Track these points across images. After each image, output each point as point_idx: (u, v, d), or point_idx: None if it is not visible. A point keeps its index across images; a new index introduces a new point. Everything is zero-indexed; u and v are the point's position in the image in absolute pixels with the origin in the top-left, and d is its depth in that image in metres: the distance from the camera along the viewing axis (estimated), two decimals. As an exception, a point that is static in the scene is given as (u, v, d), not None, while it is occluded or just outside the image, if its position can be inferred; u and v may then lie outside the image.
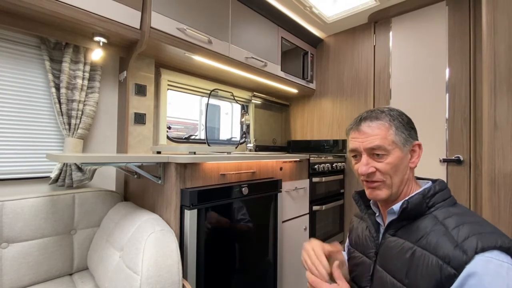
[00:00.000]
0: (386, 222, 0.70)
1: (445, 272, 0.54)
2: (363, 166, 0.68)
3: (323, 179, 1.82)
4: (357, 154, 0.71)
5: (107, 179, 1.47)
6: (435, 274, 0.55)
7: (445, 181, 1.69)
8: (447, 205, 0.63)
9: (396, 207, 0.66)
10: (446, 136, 1.72)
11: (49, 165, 1.28)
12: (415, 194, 0.65)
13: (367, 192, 0.71)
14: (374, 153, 0.67)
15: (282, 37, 2.05)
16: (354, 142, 0.71)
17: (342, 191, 2.13)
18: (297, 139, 2.60)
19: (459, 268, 0.52)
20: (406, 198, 0.65)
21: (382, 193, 0.68)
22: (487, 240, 0.53)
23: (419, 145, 0.69)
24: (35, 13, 1.02)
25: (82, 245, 1.22)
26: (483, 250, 0.52)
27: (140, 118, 1.48)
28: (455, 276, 0.52)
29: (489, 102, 1.06)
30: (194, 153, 1.14)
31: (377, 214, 0.75)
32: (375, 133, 0.67)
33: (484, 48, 1.08)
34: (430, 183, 0.69)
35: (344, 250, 0.90)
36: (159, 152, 1.37)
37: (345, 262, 0.82)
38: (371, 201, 0.78)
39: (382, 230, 0.73)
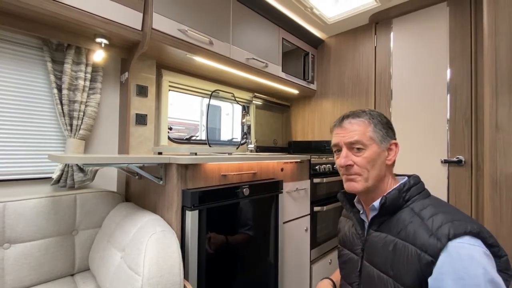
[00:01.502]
0: (369, 219, 0.75)
1: (423, 260, 0.58)
2: (342, 158, 0.74)
3: (324, 180, 1.81)
4: (338, 149, 0.77)
5: (109, 180, 1.47)
6: (415, 263, 0.59)
7: (447, 182, 1.70)
8: (421, 198, 0.69)
9: (377, 203, 0.71)
10: (448, 137, 1.71)
11: (50, 166, 1.28)
12: (392, 190, 0.70)
13: (345, 185, 0.76)
14: (353, 147, 0.73)
15: (283, 38, 2.05)
16: (336, 137, 0.77)
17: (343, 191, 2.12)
18: (298, 140, 2.60)
19: (435, 255, 0.56)
20: (384, 194, 0.70)
21: (358, 185, 0.73)
22: (458, 227, 0.57)
23: (396, 144, 0.74)
24: (37, 14, 1.03)
25: (84, 245, 1.22)
26: (455, 236, 0.56)
27: (141, 119, 1.49)
28: (433, 263, 0.56)
29: (491, 103, 1.05)
30: (195, 154, 1.14)
31: (361, 212, 0.80)
32: (355, 128, 0.74)
33: (485, 48, 1.08)
34: (405, 178, 0.74)
35: None
36: (160, 153, 1.38)
37: None
38: (355, 199, 0.83)
39: (367, 226, 0.77)
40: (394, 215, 0.69)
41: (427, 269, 0.57)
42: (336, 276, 0.96)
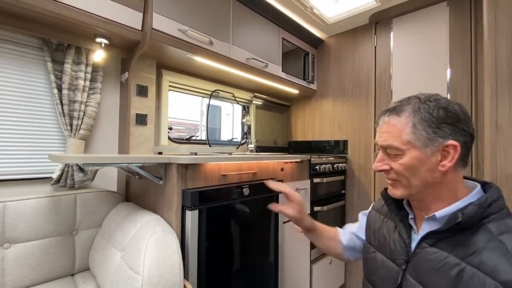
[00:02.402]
0: (424, 229, 0.62)
1: None
2: (377, 162, 0.64)
3: (324, 179, 1.81)
4: (379, 148, 0.66)
5: (109, 179, 1.47)
6: None
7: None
8: (503, 217, 0.53)
9: (440, 214, 0.57)
10: (448, 136, 1.71)
11: (51, 165, 1.28)
12: (469, 205, 0.55)
13: (388, 189, 0.66)
14: (387, 151, 0.62)
15: (283, 38, 2.05)
16: (377, 135, 0.65)
17: (343, 192, 2.13)
18: (298, 140, 2.60)
19: None
20: (459, 208, 0.56)
21: (398, 192, 0.63)
22: None
23: (454, 146, 0.56)
24: (37, 14, 1.03)
25: (84, 245, 1.22)
26: None
27: (141, 119, 1.49)
28: None
29: (491, 103, 1.05)
30: (195, 153, 1.14)
31: (410, 216, 0.67)
32: (389, 129, 0.61)
33: (485, 48, 1.08)
34: (478, 187, 0.59)
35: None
36: (160, 153, 1.38)
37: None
38: (404, 202, 0.70)
39: (414, 235, 0.65)
40: (462, 232, 0.54)
41: None
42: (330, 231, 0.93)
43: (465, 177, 0.64)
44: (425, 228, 0.61)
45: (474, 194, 0.58)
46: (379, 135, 0.63)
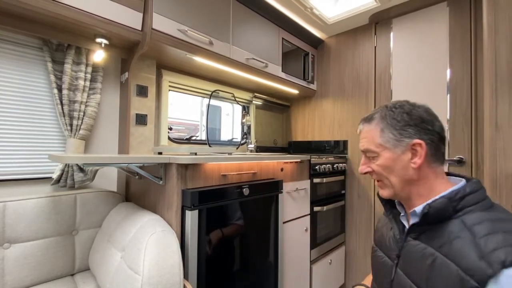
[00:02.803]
0: (409, 224, 0.67)
1: (467, 286, 0.49)
2: (361, 165, 0.72)
3: (324, 180, 1.82)
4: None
5: (109, 179, 1.47)
6: (455, 285, 0.51)
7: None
8: (479, 209, 0.57)
9: (419, 209, 0.63)
10: (448, 136, 1.71)
11: (51, 166, 1.28)
12: (439, 197, 0.60)
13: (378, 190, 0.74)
14: (367, 155, 0.71)
15: (283, 38, 2.05)
16: (359, 142, 0.74)
17: (343, 192, 2.13)
18: (298, 140, 2.60)
19: (482, 283, 0.47)
20: (429, 202, 0.61)
21: (385, 192, 0.70)
22: None
23: (419, 144, 0.63)
24: (37, 15, 1.03)
25: (84, 245, 1.22)
26: None
27: (141, 119, 1.49)
28: None
29: (491, 103, 1.05)
30: (195, 153, 1.14)
31: (402, 214, 0.73)
32: (365, 136, 0.71)
33: (485, 48, 1.08)
34: (462, 182, 0.63)
35: None
36: (160, 153, 1.38)
37: None
38: (395, 201, 0.76)
39: (406, 232, 0.70)
40: (440, 225, 0.59)
41: None
42: (369, 281, 0.90)
43: (454, 174, 0.69)
44: (411, 223, 0.67)
45: (451, 190, 0.61)
46: (360, 141, 0.73)
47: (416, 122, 0.64)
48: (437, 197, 0.61)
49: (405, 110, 0.66)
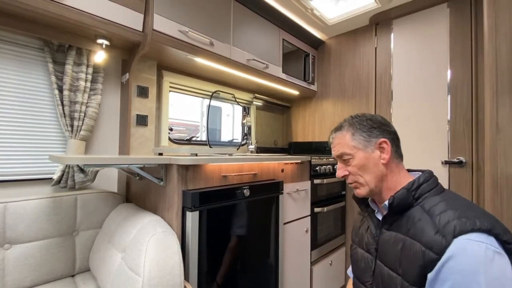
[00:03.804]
0: (381, 218, 0.75)
1: (428, 257, 0.57)
2: (337, 170, 0.80)
3: (325, 180, 1.81)
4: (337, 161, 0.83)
5: (109, 180, 1.47)
6: (419, 259, 0.59)
7: (448, 183, 1.69)
8: (433, 195, 0.67)
9: (388, 202, 0.71)
10: (448, 137, 1.71)
11: (51, 166, 1.28)
12: (400, 189, 0.69)
13: (354, 191, 0.80)
14: (342, 159, 0.78)
15: (283, 39, 2.05)
16: (332, 151, 0.83)
17: (343, 193, 2.12)
18: (298, 141, 2.60)
19: (440, 253, 0.56)
20: (393, 194, 0.69)
21: (362, 191, 0.76)
22: (465, 223, 0.56)
23: (385, 142, 0.74)
24: (39, 15, 1.03)
25: (84, 246, 1.22)
26: (461, 233, 0.55)
27: (142, 120, 1.49)
28: (437, 260, 0.56)
29: (491, 104, 1.05)
30: (196, 154, 1.14)
31: (376, 211, 0.80)
32: (338, 142, 0.79)
33: (485, 49, 1.08)
34: (419, 174, 0.72)
35: None
36: (161, 154, 1.38)
37: None
38: (369, 199, 0.83)
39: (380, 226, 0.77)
40: (405, 213, 0.68)
41: (431, 265, 0.57)
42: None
43: (414, 170, 0.78)
44: (382, 216, 0.75)
45: (409, 182, 0.70)
46: (333, 149, 0.81)
47: (378, 125, 0.76)
48: (399, 189, 0.70)
49: (367, 117, 0.78)
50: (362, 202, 0.84)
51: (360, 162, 0.74)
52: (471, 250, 0.53)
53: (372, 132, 0.75)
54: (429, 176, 0.70)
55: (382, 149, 0.74)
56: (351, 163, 0.76)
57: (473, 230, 0.54)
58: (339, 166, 0.80)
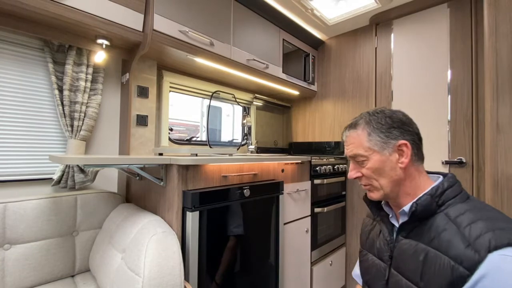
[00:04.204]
0: (398, 224, 0.69)
1: (457, 273, 0.52)
2: (350, 171, 0.74)
3: (325, 181, 1.81)
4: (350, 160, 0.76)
5: (109, 180, 1.47)
6: (448, 275, 0.54)
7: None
8: (458, 202, 0.61)
9: (407, 208, 0.65)
10: (449, 138, 1.71)
11: (51, 166, 1.28)
12: (423, 195, 0.63)
13: (367, 193, 0.74)
14: (355, 160, 0.72)
15: (283, 39, 2.05)
16: (344, 150, 0.76)
17: (344, 193, 2.12)
18: (298, 141, 2.60)
19: (471, 269, 0.51)
20: (415, 200, 0.64)
21: (375, 195, 0.71)
22: (500, 236, 0.50)
23: (405, 144, 0.67)
24: (39, 16, 1.03)
25: (84, 246, 1.22)
26: (496, 248, 0.50)
27: (142, 120, 1.49)
28: (468, 277, 0.51)
29: (492, 104, 1.05)
30: (196, 155, 1.14)
31: (390, 215, 0.74)
32: (352, 141, 0.72)
33: (485, 49, 1.08)
34: (440, 178, 0.67)
35: None
36: (161, 154, 1.38)
37: None
38: (382, 203, 0.77)
39: (396, 232, 0.71)
40: (427, 221, 0.63)
41: (461, 282, 0.52)
42: None
43: (433, 172, 0.73)
44: (400, 223, 0.69)
45: (432, 187, 0.65)
46: (346, 148, 0.74)
47: (398, 124, 0.68)
48: (421, 195, 0.65)
49: (386, 114, 0.70)
50: (375, 205, 0.78)
51: (375, 165, 0.68)
52: (508, 268, 0.48)
53: (391, 132, 0.68)
54: (453, 181, 0.64)
55: (401, 152, 0.67)
56: (365, 165, 0.69)
57: (509, 245, 0.49)
58: (351, 166, 0.74)
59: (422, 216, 0.63)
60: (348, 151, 0.73)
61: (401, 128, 0.68)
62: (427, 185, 0.67)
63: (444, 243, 0.57)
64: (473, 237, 0.53)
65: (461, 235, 0.55)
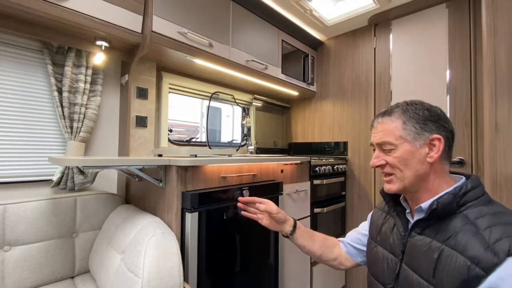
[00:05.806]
0: (414, 220, 0.69)
1: (473, 273, 0.52)
2: (373, 159, 0.72)
3: (324, 181, 1.81)
4: (374, 148, 0.74)
5: (109, 182, 1.47)
6: (463, 273, 0.54)
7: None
8: (480, 204, 0.61)
9: (425, 205, 0.65)
10: (448, 138, 1.71)
11: (51, 168, 1.28)
12: (445, 194, 0.63)
13: (384, 186, 0.73)
14: (382, 148, 0.70)
15: (282, 40, 2.06)
16: (371, 136, 0.74)
17: (343, 193, 2.12)
18: (298, 142, 2.60)
19: (488, 270, 0.51)
20: (436, 198, 0.64)
21: (394, 186, 0.69)
22: None
23: (439, 139, 0.65)
24: (38, 18, 1.03)
25: (84, 248, 1.22)
26: None
27: (141, 121, 1.49)
28: (484, 277, 0.51)
29: (490, 104, 1.05)
30: (195, 155, 1.14)
31: (407, 211, 0.74)
32: (383, 128, 0.70)
33: (484, 50, 1.08)
34: (463, 179, 0.66)
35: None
36: (160, 155, 1.38)
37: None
38: (401, 197, 0.77)
39: (410, 227, 0.71)
40: (443, 220, 0.62)
41: (475, 282, 0.52)
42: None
43: (456, 172, 0.71)
44: (416, 219, 0.69)
45: (455, 187, 0.64)
46: (374, 135, 0.73)
47: (435, 118, 0.67)
48: (442, 193, 0.64)
49: (425, 106, 0.68)
50: (392, 198, 0.77)
51: (403, 155, 0.66)
52: None
53: (426, 125, 0.66)
54: (477, 183, 0.63)
55: (432, 146, 0.65)
56: (392, 154, 0.68)
57: None
58: (376, 154, 0.72)
59: (440, 215, 0.62)
60: (376, 138, 0.71)
61: (437, 123, 0.66)
62: (449, 184, 0.66)
63: (461, 243, 0.56)
64: (493, 240, 0.53)
65: (480, 237, 0.54)
